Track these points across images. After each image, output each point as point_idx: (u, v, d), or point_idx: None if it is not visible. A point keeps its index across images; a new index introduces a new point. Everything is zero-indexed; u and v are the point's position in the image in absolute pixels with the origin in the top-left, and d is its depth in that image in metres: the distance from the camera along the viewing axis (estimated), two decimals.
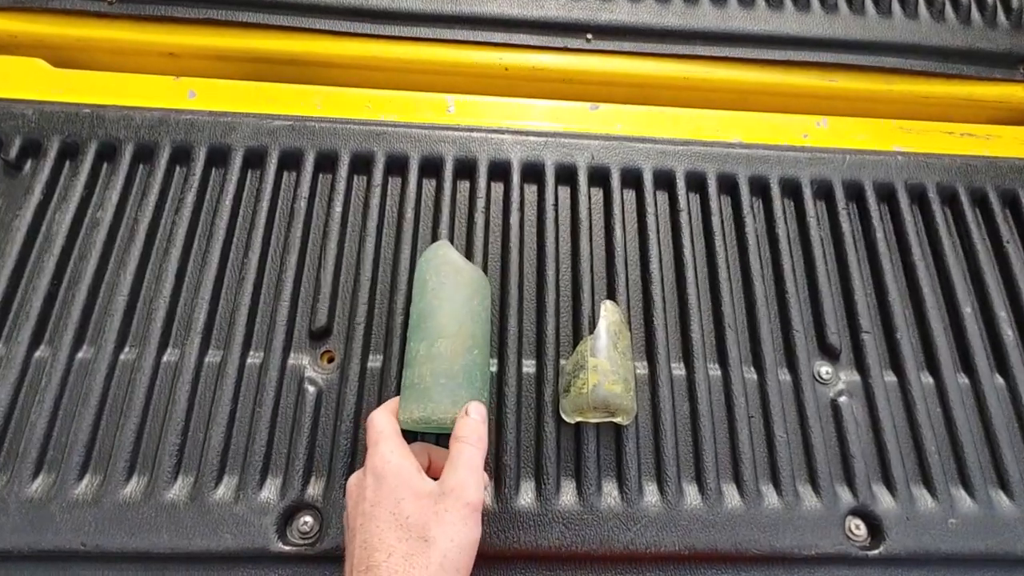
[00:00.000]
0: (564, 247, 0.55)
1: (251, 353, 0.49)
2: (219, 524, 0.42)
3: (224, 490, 0.44)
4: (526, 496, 0.45)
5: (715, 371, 0.51)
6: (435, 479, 0.37)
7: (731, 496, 0.46)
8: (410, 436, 0.43)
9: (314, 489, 0.44)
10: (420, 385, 0.40)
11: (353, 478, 0.38)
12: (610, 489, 0.46)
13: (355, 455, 0.46)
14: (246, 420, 0.46)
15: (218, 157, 0.55)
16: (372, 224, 0.53)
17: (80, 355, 0.47)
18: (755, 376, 0.51)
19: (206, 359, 0.48)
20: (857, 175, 0.59)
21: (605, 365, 0.45)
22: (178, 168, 0.55)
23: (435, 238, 0.53)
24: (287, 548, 0.42)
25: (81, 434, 0.44)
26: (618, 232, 0.54)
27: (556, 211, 0.55)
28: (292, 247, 0.51)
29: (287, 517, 0.43)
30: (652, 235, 0.55)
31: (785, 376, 0.51)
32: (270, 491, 0.44)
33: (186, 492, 0.43)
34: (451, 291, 0.44)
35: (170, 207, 0.53)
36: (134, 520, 0.42)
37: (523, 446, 0.47)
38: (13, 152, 0.53)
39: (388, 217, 0.54)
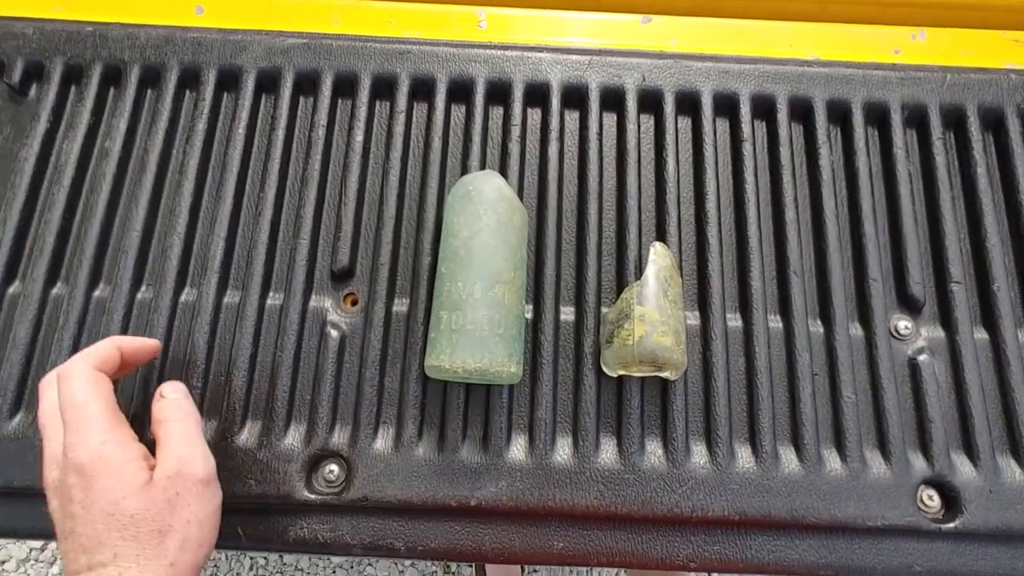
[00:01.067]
0: (609, 182, 0.49)
1: (271, 294, 0.46)
2: (243, 469, 0.41)
3: (247, 435, 0.42)
4: (562, 452, 0.42)
5: (776, 323, 0.46)
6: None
7: (788, 460, 0.42)
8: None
9: (339, 437, 0.42)
10: (476, 332, 0.37)
11: (50, 472, 0.33)
12: (654, 448, 0.43)
13: (380, 404, 0.43)
14: (268, 365, 0.44)
15: (229, 80, 0.50)
16: (396, 155, 0.48)
17: (96, 294, 0.45)
18: (822, 330, 0.46)
19: (224, 300, 0.45)
20: (959, 98, 0.50)
21: (653, 315, 0.40)
22: (187, 93, 0.50)
23: (465, 171, 0.48)
24: (313, 497, 0.41)
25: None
26: (671, 165, 0.48)
27: (600, 141, 0.49)
28: (310, 180, 0.47)
29: (312, 464, 0.42)
30: (710, 169, 0.48)
31: (857, 331, 0.46)
32: (294, 438, 0.42)
33: (208, 436, 0.42)
34: (507, 232, 0.39)
35: (180, 136, 0.49)
36: None
37: (560, 400, 0.44)
38: (16, 75, 0.49)
39: (413, 148, 0.49)
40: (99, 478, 0.31)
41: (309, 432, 0.42)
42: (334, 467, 0.42)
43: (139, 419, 0.42)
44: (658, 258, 0.43)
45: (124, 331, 0.44)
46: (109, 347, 0.37)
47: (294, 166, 0.49)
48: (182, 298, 0.45)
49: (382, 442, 0.42)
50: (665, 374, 0.42)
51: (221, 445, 0.41)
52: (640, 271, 0.46)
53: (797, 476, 0.42)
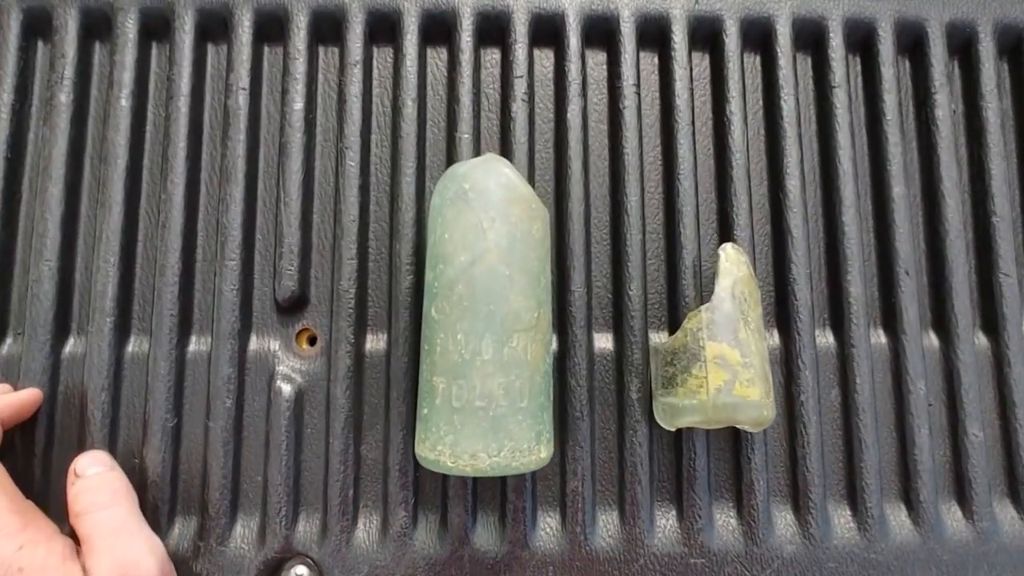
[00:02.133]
0: (651, 153, 0.35)
1: (192, 338, 0.33)
2: None
3: (176, 539, 0.31)
4: (606, 534, 0.32)
5: (879, 339, 0.34)
6: None
7: (899, 523, 0.32)
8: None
9: (304, 532, 0.31)
10: (488, 410, 0.25)
11: None
12: (726, 520, 0.32)
13: (358, 483, 0.32)
14: (196, 437, 0.32)
15: (98, 26, 0.34)
16: (352, 128, 0.34)
17: None
18: (937, 344, 0.34)
19: (126, 350, 0.32)
20: None
21: (732, 355, 0.29)
22: (40, 45, 0.35)
23: (451, 145, 0.34)
24: None
25: None
26: (735, 126, 0.35)
27: (639, 95, 0.35)
28: (233, 171, 0.33)
29: (270, 574, 0.31)
30: (789, 129, 0.35)
31: (982, 342, 0.35)
32: (242, 538, 0.31)
33: None
34: (525, 250, 0.26)
35: (36, 115, 0.34)
36: None
37: (599, 461, 0.33)
38: None
39: (377, 116, 0.35)
40: None
41: (262, 528, 0.31)
42: (301, 573, 0.31)
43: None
44: (732, 266, 0.30)
45: None
46: None
47: (208, 151, 0.34)
48: (65, 351, 0.32)
49: (364, 535, 0.31)
50: (743, 426, 0.31)
51: None
52: (699, 279, 0.33)
53: (911, 545, 0.32)
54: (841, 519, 0.32)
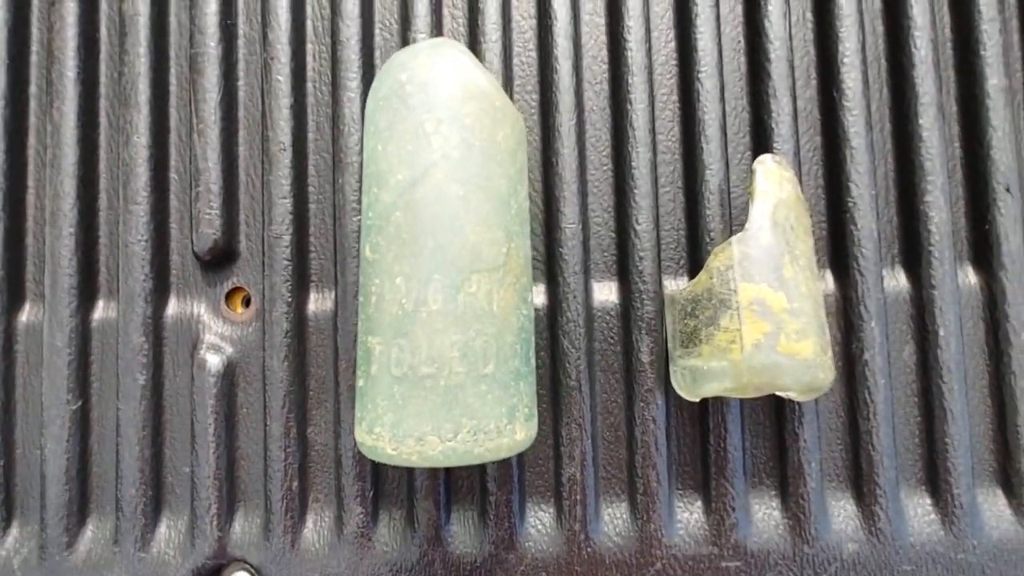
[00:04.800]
0: (662, 49, 0.27)
1: (99, 303, 0.27)
2: None
3: (87, 548, 0.25)
4: (612, 531, 0.25)
5: (968, 279, 0.26)
6: None
7: (995, 513, 0.25)
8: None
9: (242, 532, 0.26)
10: (439, 379, 0.18)
11: None
12: (767, 511, 0.25)
13: (305, 473, 0.26)
14: (107, 424, 0.26)
15: None
16: (279, 32, 0.27)
17: None
18: None
19: (19, 320, 0.27)
20: None
21: (776, 300, 0.21)
22: None
23: (406, 45, 0.27)
24: None
25: None
26: (773, 4, 0.26)
27: None
28: (135, 93, 0.26)
29: None
30: (843, 3, 0.26)
31: None
32: (168, 543, 0.25)
33: (24, 554, 0.25)
34: (486, 164, 0.19)
35: None
36: None
37: (602, 442, 0.26)
38: None
39: (313, 17, 0.28)
40: None
41: (191, 530, 0.25)
42: None
43: None
44: (772, 185, 0.23)
45: None
46: None
47: (106, 71, 0.28)
48: None
49: (313, 535, 0.26)
50: (789, 394, 0.23)
51: (42, 566, 0.25)
52: (728, 209, 0.26)
53: (1013, 542, 0.25)
54: (918, 510, 0.25)
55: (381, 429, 0.19)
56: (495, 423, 0.19)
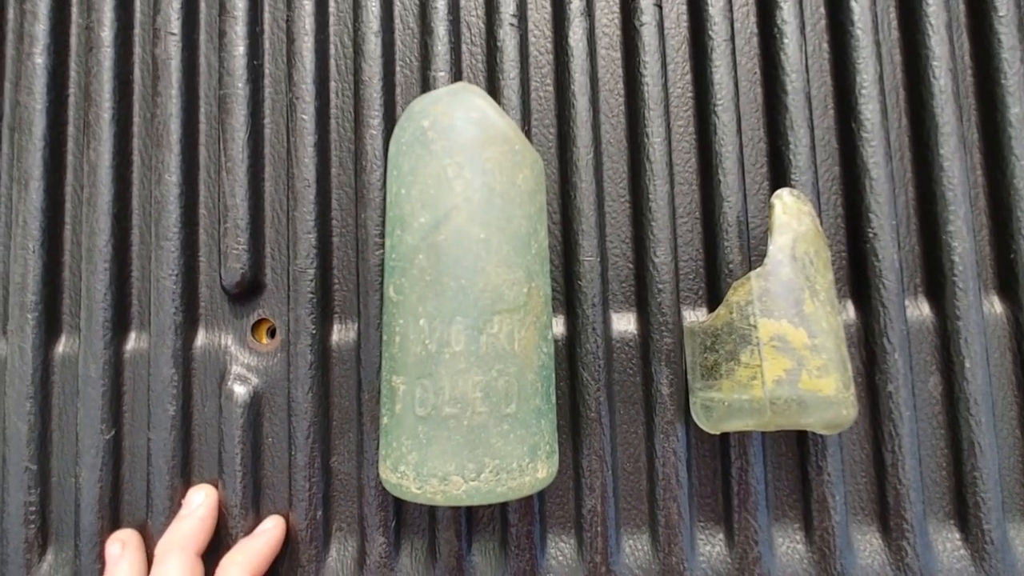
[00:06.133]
0: (678, 83, 0.28)
1: (131, 335, 0.28)
2: None
3: None
4: (634, 563, 0.25)
5: (993, 308, 0.26)
6: None
7: (1022, 544, 0.24)
8: None
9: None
10: (462, 419, 0.19)
11: None
12: (791, 546, 0.25)
13: (328, 503, 0.26)
14: (138, 453, 0.27)
15: None
16: (304, 72, 0.27)
17: None
18: None
19: (54, 352, 0.28)
20: None
21: (797, 336, 0.21)
22: None
23: (425, 88, 0.28)
24: None
25: None
26: (789, 38, 0.26)
27: (659, 7, 0.27)
28: (167, 132, 0.27)
29: None
30: (860, 35, 0.26)
31: None
32: None
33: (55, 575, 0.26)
34: (506, 206, 0.20)
35: None
36: None
37: (622, 473, 0.26)
38: None
39: (336, 57, 0.29)
40: None
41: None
42: None
43: None
44: (791, 219, 0.23)
45: None
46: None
47: (140, 111, 0.29)
48: None
49: (337, 565, 0.26)
50: (811, 426, 0.23)
51: None
52: (746, 241, 0.26)
53: None
54: (947, 544, 0.25)
55: (405, 468, 0.19)
56: (517, 462, 0.19)
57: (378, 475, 0.26)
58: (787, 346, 0.21)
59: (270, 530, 0.25)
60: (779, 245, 0.23)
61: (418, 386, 0.19)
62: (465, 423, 0.19)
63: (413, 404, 0.19)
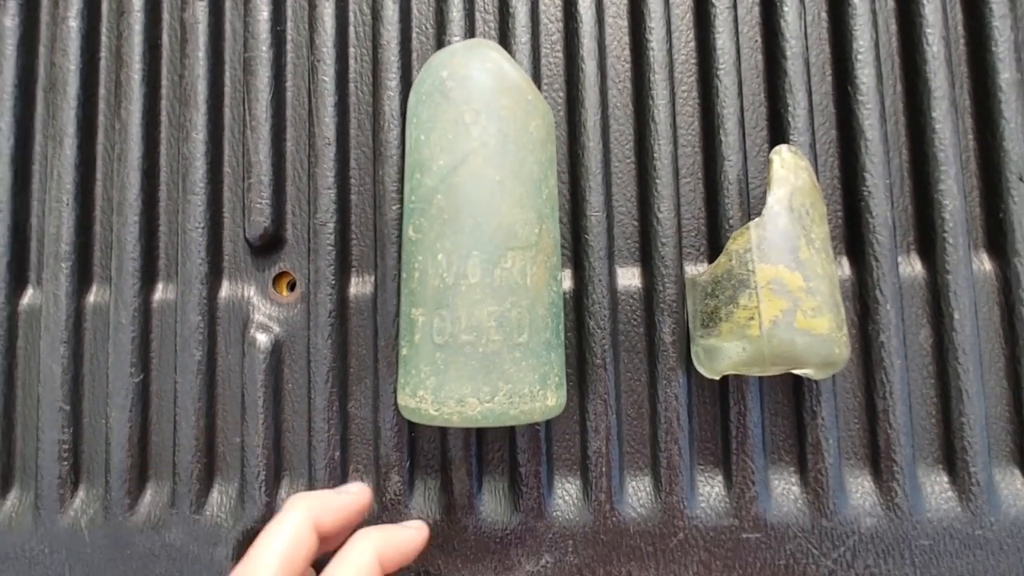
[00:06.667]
0: (682, 49, 0.29)
1: (158, 285, 0.29)
2: (147, 562, 0.27)
3: (147, 510, 0.27)
4: (637, 502, 0.26)
5: (983, 265, 0.27)
6: None
7: (1013, 491, 0.26)
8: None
9: (287, 497, 0.27)
10: (477, 346, 0.20)
11: None
12: (786, 487, 0.26)
13: (346, 445, 0.28)
14: (166, 394, 0.28)
15: None
16: (325, 37, 0.29)
17: None
18: None
19: (87, 300, 0.29)
20: None
21: (793, 279, 0.23)
22: None
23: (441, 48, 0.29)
24: None
25: None
26: (789, 5, 0.28)
27: None
28: (193, 94, 0.29)
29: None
30: (857, 2, 0.28)
31: None
32: (219, 507, 0.27)
33: (90, 514, 0.27)
34: (519, 151, 0.21)
35: None
36: (22, 557, 0.27)
37: (626, 417, 0.27)
38: None
39: (355, 23, 0.30)
40: None
41: (241, 496, 0.27)
42: None
43: None
44: (788, 173, 0.24)
45: None
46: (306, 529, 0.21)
47: (168, 73, 0.30)
48: (23, 302, 0.29)
49: None
50: (806, 371, 0.24)
51: (106, 525, 0.27)
52: (746, 199, 0.27)
53: None
54: (935, 487, 0.26)
55: (424, 392, 0.21)
56: (529, 388, 0.20)
57: (393, 418, 0.27)
58: (783, 288, 0.23)
59: (414, 527, 0.23)
60: (777, 197, 0.24)
61: (436, 316, 0.20)
62: (480, 350, 0.20)
63: (431, 333, 0.20)
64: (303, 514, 0.21)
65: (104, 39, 0.30)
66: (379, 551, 0.21)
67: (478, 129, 0.21)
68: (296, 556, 0.20)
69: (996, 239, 0.27)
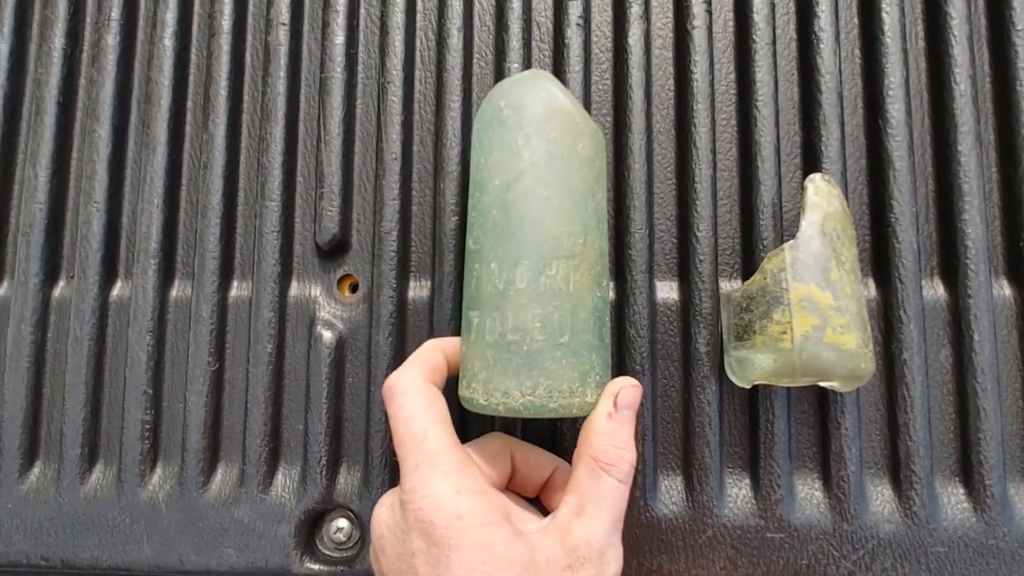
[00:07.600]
0: (724, 80, 0.31)
1: (234, 283, 0.32)
2: (217, 535, 0.29)
3: (218, 487, 0.30)
4: (669, 502, 0.28)
5: (1002, 291, 0.29)
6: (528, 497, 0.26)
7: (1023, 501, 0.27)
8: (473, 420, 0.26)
9: (346, 484, 0.30)
10: (522, 345, 0.22)
11: (381, 522, 0.23)
12: (809, 492, 0.28)
13: None
14: (238, 383, 0.31)
15: None
16: (395, 61, 0.31)
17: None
18: None
19: (170, 294, 0.32)
20: None
21: (824, 298, 0.25)
22: None
23: (499, 78, 0.32)
24: (315, 567, 0.29)
25: (16, 412, 0.31)
26: (825, 44, 0.30)
27: (709, 13, 0.31)
28: (273, 110, 0.32)
29: (312, 525, 0.30)
30: (890, 43, 0.30)
31: None
32: (283, 488, 0.30)
33: (167, 489, 0.30)
34: (567, 170, 0.24)
35: (86, 58, 0.34)
36: (105, 526, 0.30)
37: (661, 421, 0.29)
38: None
39: (421, 49, 0.33)
40: (457, 549, 0.20)
41: (304, 479, 0.30)
42: (342, 525, 0.29)
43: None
44: (822, 200, 0.26)
45: (40, 351, 0.31)
46: (434, 353, 0.25)
47: (249, 90, 0.33)
48: (113, 293, 0.32)
49: None
50: (832, 384, 0.26)
51: (181, 500, 0.30)
52: (779, 221, 0.29)
53: None
54: (952, 498, 0.28)
55: (476, 384, 0.23)
56: (568, 384, 0.23)
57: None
58: (814, 306, 0.25)
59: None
60: (811, 221, 0.26)
61: (488, 318, 0.23)
62: (524, 348, 0.22)
63: (484, 333, 0.23)
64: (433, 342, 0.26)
65: (194, 57, 0.33)
66: (443, 348, 0.25)
67: (529, 151, 0.23)
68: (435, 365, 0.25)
69: (1016, 267, 0.29)
